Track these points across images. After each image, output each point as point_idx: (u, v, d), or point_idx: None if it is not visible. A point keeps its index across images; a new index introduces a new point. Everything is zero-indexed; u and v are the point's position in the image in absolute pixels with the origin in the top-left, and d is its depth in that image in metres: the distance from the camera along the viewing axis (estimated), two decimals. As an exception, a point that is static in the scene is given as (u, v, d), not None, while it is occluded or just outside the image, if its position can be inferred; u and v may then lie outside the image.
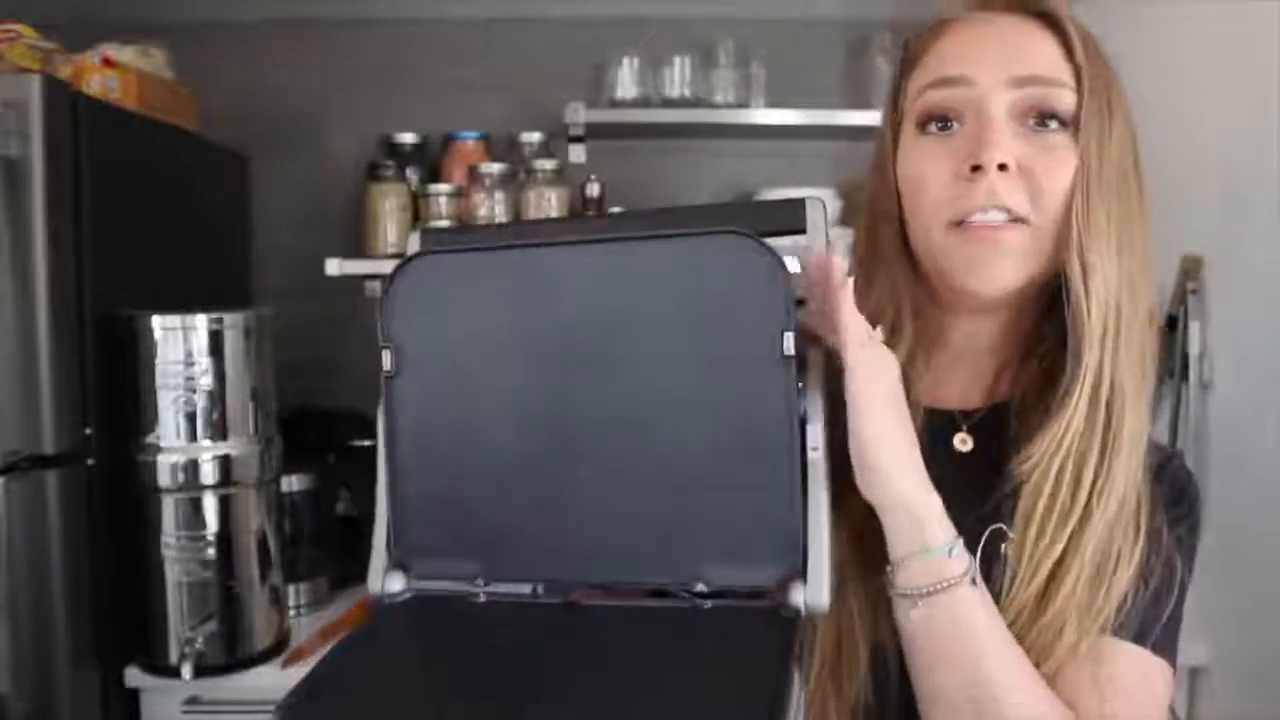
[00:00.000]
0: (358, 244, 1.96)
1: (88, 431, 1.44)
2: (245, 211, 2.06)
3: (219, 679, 1.47)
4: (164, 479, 1.44)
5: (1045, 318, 0.68)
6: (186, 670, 1.42)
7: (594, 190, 1.99)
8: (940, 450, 0.66)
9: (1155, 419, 1.57)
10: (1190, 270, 1.56)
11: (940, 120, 0.66)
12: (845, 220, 1.85)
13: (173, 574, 1.45)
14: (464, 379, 0.59)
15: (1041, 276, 0.65)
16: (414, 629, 0.58)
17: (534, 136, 1.99)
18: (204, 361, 1.45)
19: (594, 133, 2.03)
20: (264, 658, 1.52)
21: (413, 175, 1.98)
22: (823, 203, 0.60)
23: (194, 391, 1.44)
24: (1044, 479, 0.63)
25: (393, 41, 2.14)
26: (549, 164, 1.90)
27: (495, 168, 1.88)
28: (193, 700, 1.49)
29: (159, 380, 1.44)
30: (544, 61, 2.13)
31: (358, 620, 1.59)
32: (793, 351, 0.54)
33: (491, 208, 1.88)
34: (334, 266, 1.86)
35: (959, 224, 0.64)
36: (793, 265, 0.59)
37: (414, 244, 0.63)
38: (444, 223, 1.87)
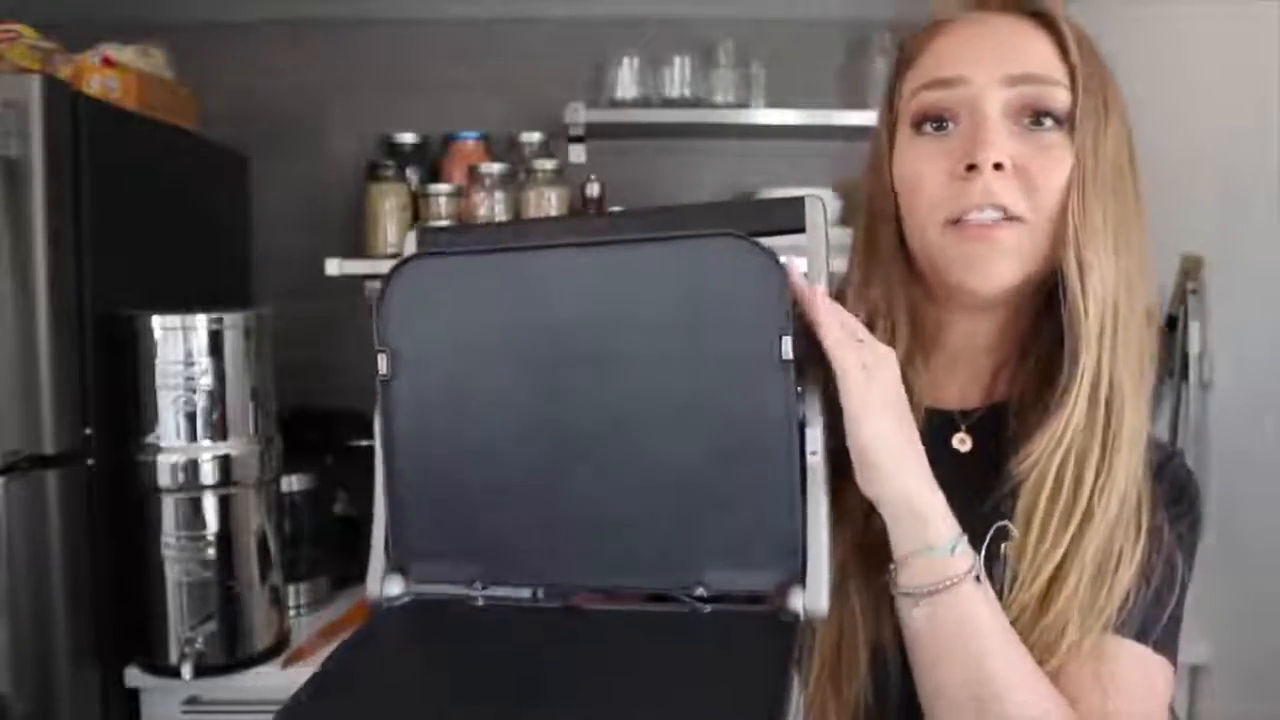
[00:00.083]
0: (358, 244, 1.95)
1: (88, 431, 1.44)
2: (245, 211, 2.06)
3: (219, 679, 1.47)
4: (164, 479, 1.44)
5: (1043, 316, 0.68)
6: (186, 670, 1.42)
7: (594, 190, 1.99)
8: (939, 450, 0.66)
9: (1155, 419, 1.57)
10: (1190, 270, 1.56)
11: (935, 120, 0.66)
12: (845, 220, 1.85)
13: (173, 574, 1.45)
14: (461, 382, 0.58)
15: (1038, 275, 0.65)
16: (413, 633, 0.58)
17: (534, 136, 1.98)
18: (204, 361, 1.45)
19: (594, 133, 2.03)
20: (264, 658, 1.52)
21: (413, 175, 1.98)
22: (822, 201, 0.60)
23: (194, 391, 1.44)
24: (1043, 478, 0.63)
25: (393, 41, 2.14)
26: (549, 164, 1.90)
27: (495, 168, 1.88)
28: (193, 700, 1.50)
29: (159, 380, 1.44)
30: (544, 61, 2.13)
31: (358, 620, 1.59)
32: (791, 355, 0.53)
33: (491, 208, 1.88)
34: (334, 266, 1.85)
35: (955, 223, 0.64)
36: (801, 265, 0.59)
37: (410, 244, 0.63)
38: (444, 223, 1.87)
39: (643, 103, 2.00)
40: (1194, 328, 1.56)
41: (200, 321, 1.45)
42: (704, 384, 0.55)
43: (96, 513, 1.45)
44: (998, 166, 0.62)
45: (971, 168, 0.63)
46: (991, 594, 0.60)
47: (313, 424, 1.86)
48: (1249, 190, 1.45)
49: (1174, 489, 0.69)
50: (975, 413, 0.72)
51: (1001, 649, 0.59)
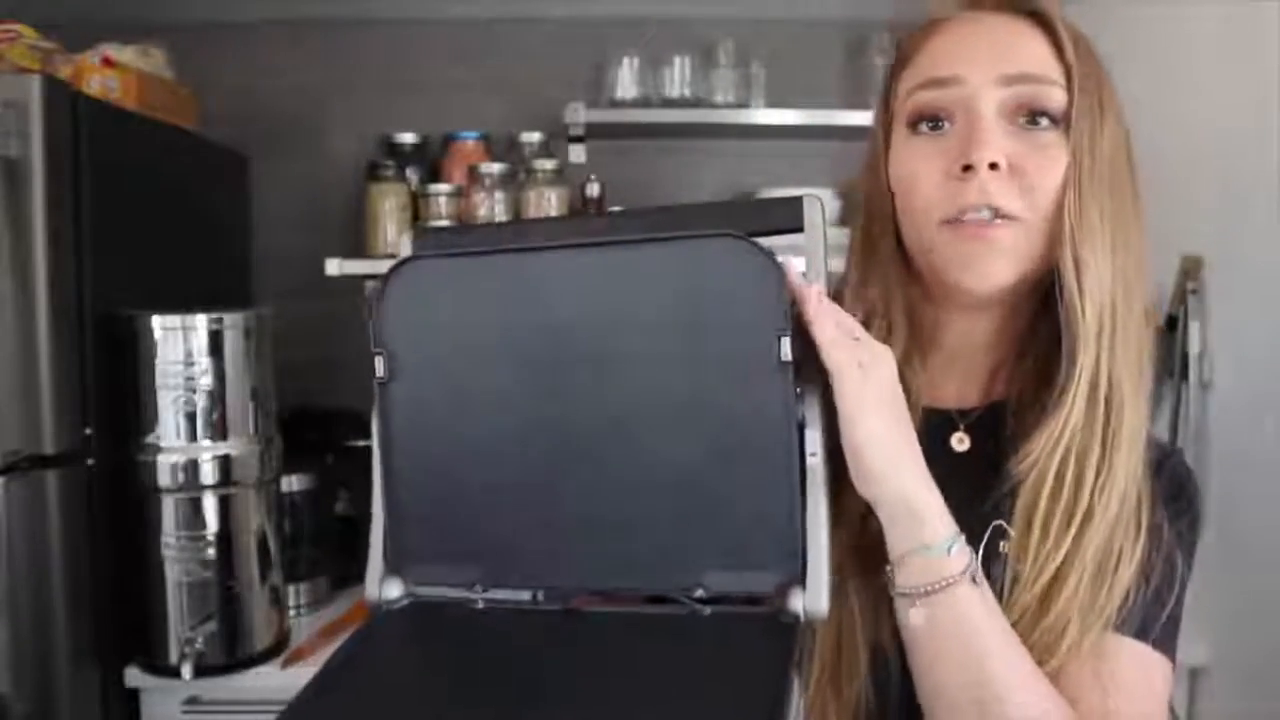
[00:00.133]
0: (358, 244, 1.95)
1: (88, 431, 1.44)
2: (245, 211, 2.06)
3: (219, 679, 1.47)
4: (164, 479, 1.44)
5: (1040, 316, 0.68)
6: (186, 670, 1.42)
7: (594, 190, 1.99)
8: (937, 450, 0.66)
9: (1155, 419, 1.57)
10: (1190, 270, 1.56)
11: (931, 120, 0.66)
12: (845, 220, 1.85)
13: (173, 574, 1.45)
14: (459, 383, 0.58)
15: (1035, 274, 0.65)
16: (411, 636, 0.58)
17: (534, 136, 1.99)
18: (204, 361, 1.45)
19: (594, 133, 2.03)
20: (264, 658, 1.52)
21: (413, 175, 1.98)
22: (820, 201, 0.60)
23: (194, 391, 1.44)
24: (1043, 478, 0.63)
25: (393, 41, 2.14)
26: (549, 164, 1.90)
27: (495, 168, 1.88)
28: (193, 700, 1.50)
29: (159, 380, 1.44)
30: (544, 61, 2.13)
31: (358, 620, 1.59)
32: (790, 356, 0.53)
33: (491, 208, 1.88)
34: (334, 266, 1.85)
35: (950, 223, 0.64)
36: (799, 264, 0.58)
37: (405, 247, 0.63)
38: (444, 223, 1.87)
39: (643, 103, 2.00)
40: (1194, 328, 1.56)
41: (200, 321, 1.45)
42: (703, 385, 0.55)
43: (96, 513, 1.45)
44: (993, 166, 0.62)
45: (967, 168, 0.63)
46: (989, 594, 0.60)
47: (313, 424, 1.86)
48: (1249, 190, 1.45)
49: (1173, 486, 0.69)
50: (973, 412, 0.72)
51: (1000, 649, 0.59)
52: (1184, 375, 1.57)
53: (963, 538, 0.59)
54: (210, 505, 1.46)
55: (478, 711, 0.49)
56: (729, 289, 0.54)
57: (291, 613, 1.67)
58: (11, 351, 1.36)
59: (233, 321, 1.47)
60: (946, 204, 0.64)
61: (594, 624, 0.57)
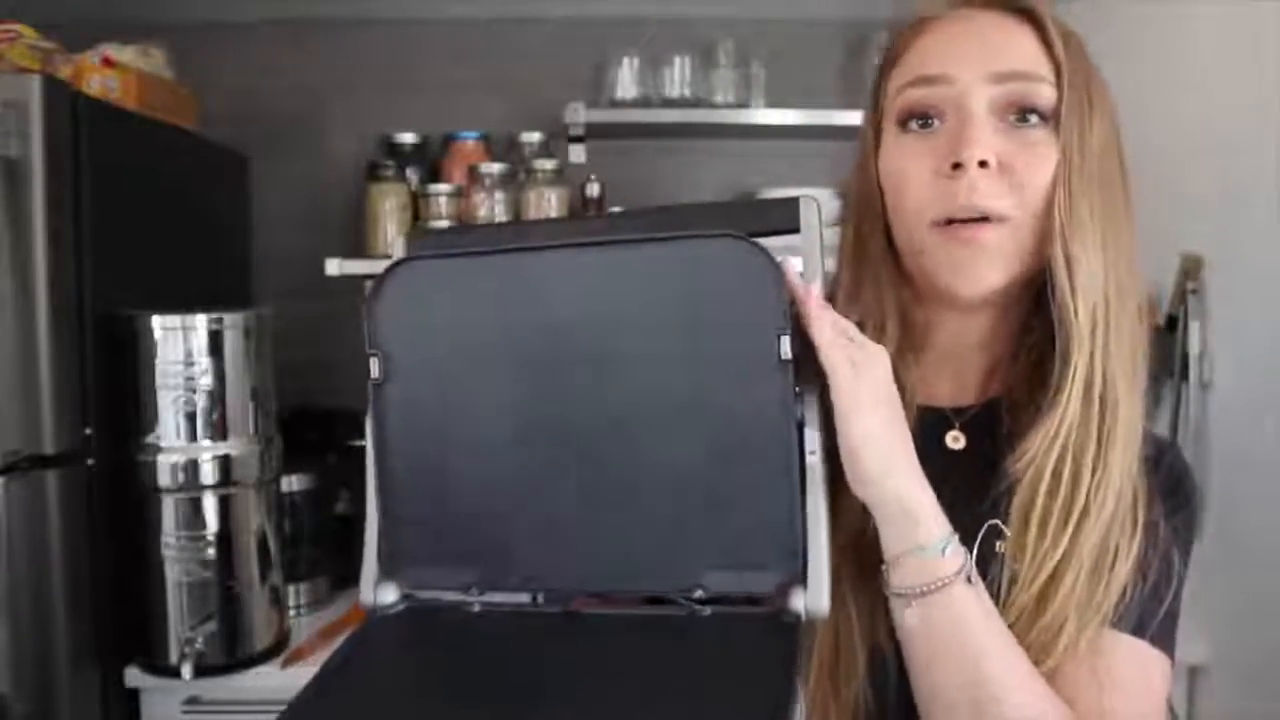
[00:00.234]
0: (358, 244, 1.96)
1: (88, 431, 1.44)
2: (245, 211, 2.06)
3: (219, 679, 1.47)
4: (164, 479, 1.44)
5: (1033, 312, 0.68)
6: (186, 670, 1.42)
7: (594, 190, 1.99)
8: (932, 448, 0.66)
9: (1155, 419, 1.57)
10: (1190, 270, 1.56)
11: (921, 118, 0.66)
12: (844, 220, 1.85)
13: (173, 574, 1.45)
14: (455, 384, 0.58)
15: (1026, 273, 0.65)
16: (408, 639, 0.57)
17: (534, 136, 1.99)
18: (204, 361, 1.45)
19: (594, 133, 2.03)
20: (264, 658, 1.52)
21: (413, 175, 1.98)
22: (817, 202, 0.60)
23: (194, 391, 1.44)
24: (1039, 476, 0.63)
25: (393, 41, 2.14)
26: (549, 164, 1.90)
27: (495, 168, 1.89)
28: (193, 700, 1.50)
29: (159, 380, 1.44)
30: (544, 61, 2.13)
31: (358, 621, 1.59)
32: (790, 355, 0.53)
33: (491, 208, 1.88)
34: (334, 266, 1.85)
35: (941, 224, 0.64)
36: (796, 264, 0.58)
37: (399, 249, 0.62)
38: (444, 223, 1.88)
39: (643, 103, 2.00)
40: (1194, 328, 1.56)
41: (200, 321, 1.45)
42: (702, 384, 0.55)
43: (96, 513, 1.45)
44: (983, 164, 0.62)
45: (957, 166, 0.63)
46: (985, 594, 0.60)
47: (313, 424, 1.86)
48: (1249, 190, 1.45)
49: (1170, 480, 0.69)
50: (968, 410, 0.72)
51: (997, 649, 0.59)
52: (1184, 375, 1.57)
53: (956, 538, 0.59)
54: (210, 505, 1.46)
55: (476, 714, 0.49)
56: (728, 288, 0.54)
57: (291, 613, 1.67)
58: (11, 351, 1.36)
59: (233, 321, 1.47)
60: (936, 204, 0.64)
61: (593, 626, 0.56)
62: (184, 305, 1.47)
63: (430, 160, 2.04)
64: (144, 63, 1.70)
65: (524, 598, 0.58)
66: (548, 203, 1.89)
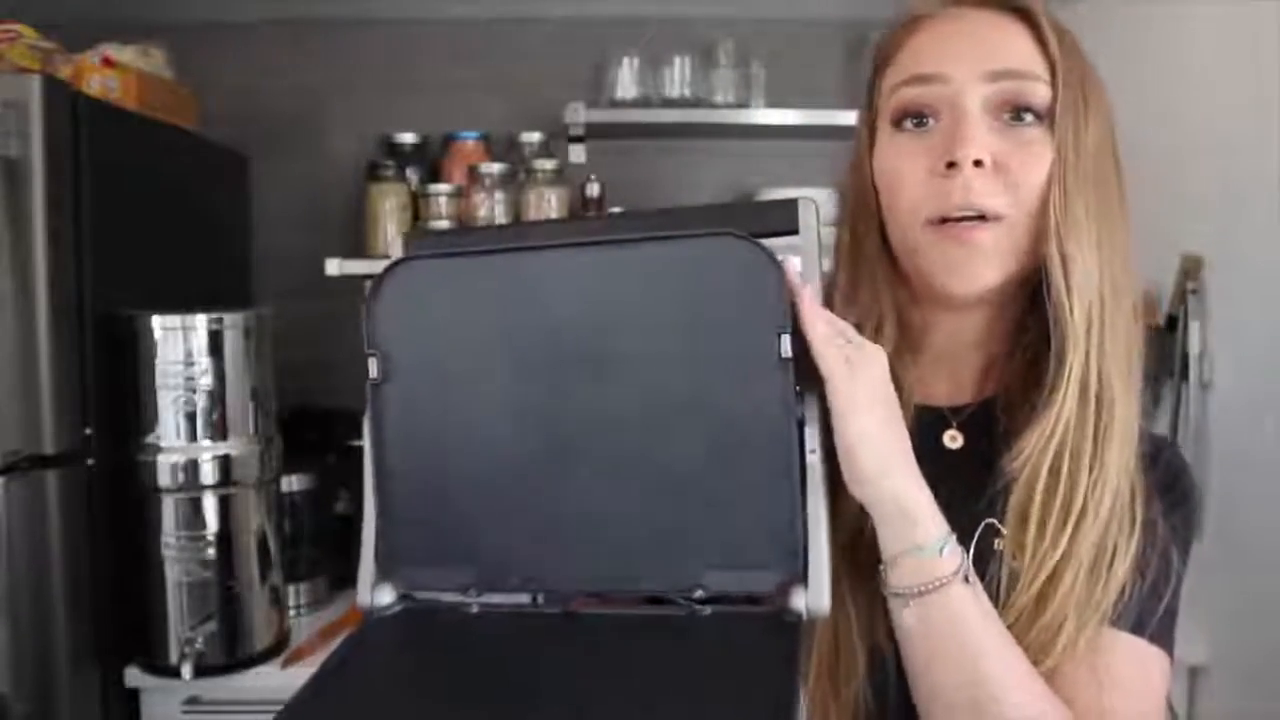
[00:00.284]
0: (358, 244, 1.96)
1: (88, 431, 1.44)
2: (245, 211, 2.06)
3: (219, 679, 1.47)
4: (164, 479, 1.44)
5: (1029, 310, 0.68)
6: (186, 670, 1.42)
7: (594, 190, 1.99)
8: (930, 447, 0.66)
9: (1156, 419, 1.57)
10: (1190, 270, 1.56)
11: (915, 117, 0.66)
12: (845, 220, 1.85)
13: (173, 574, 1.45)
14: (454, 385, 0.58)
15: (1021, 272, 0.65)
16: (404, 643, 0.57)
17: (534, 136, 1.99)
18: (204, 361, 1.45)
19: (594, 133, 2.03)
20: (264, 658, 1.52)
21: (413, 175, 1.98)
22: (815, 204, 0.59)
23: (194, 391, 1.44)
24: (1036, 475, 0.63)
25: (393, 41, 2.14)
26: (549, 164, 1.90)
27: (495, 168, 1.88)
28: (193, 700, 1.50)
29: (159, 380, 1.44)
30: (544, 61, 2.13)
31: (357, 621, 1.59)
32: (790, 354, 0.53)
33: (491, 208, 1.88)
34: (334, 266, 1.85)
35: (936, 223, 0.64)
36: (796, 264, 0.58)
37: (397, 249, 0.62)
38: (444, 223, 1.88)
39: (643, 103, 2.00)
40: (1194, 328, 1.56)
41: (200, 321, 1.45)
42: (703, 384, 0.54)
43: (96, 513, 1.45)
44: (978, 163, 0.62)
45: (952, 165, 0.63)
46: (982, 593, 0.60)
47: (313, 424, 1.86)
48: (1249, 190, 1.45)
49: (1168, 477, 0.69)
50: (965, 409, 0.72)
51: (995, 649, 0.59)
52: (1184, 375, 1.57)
53: (954, 537, 0.59)
54: (210, 505, 1.46)
55: (474, 715, 0.49)
56: (729, 287, 0.54)
57: (291, 613, 1.67)
58: (11, 351, 1.36)
59: (233, 321, 1.47)
60: (931, 203, 0.64)
61: (592, 626, 0.56)
62: (184, 305, 1.47)
63: (430, 160, 2.04)
64: (144, 63, 1.70)
65: (523, 598, 0.58)
66: (548, 203, 1.89)
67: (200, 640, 1.44)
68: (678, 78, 2.01)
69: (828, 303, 0.63)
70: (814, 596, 0.53)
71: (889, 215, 0.68)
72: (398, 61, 2.14)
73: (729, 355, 0.54)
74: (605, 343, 0.56)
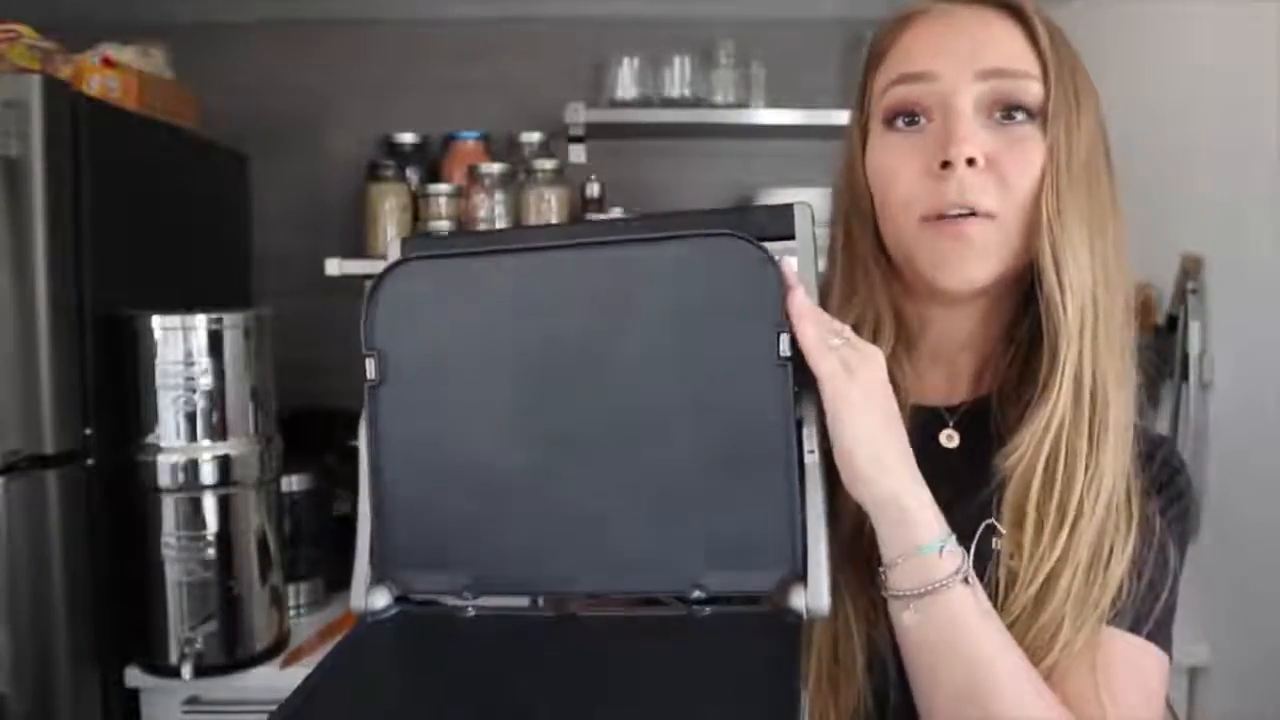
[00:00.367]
0: (358, 244, 1.95)
1: (88, 431, 1.44)
2: (245, 211, 2.06)
3: (219, 679, 1.47)
4: (164, 479, 1.44)
5: (1023, 307, 0.68)
6: (186, 670, 1.42)
7: (594, 190, 1.99)
8: (927, 447, 0.66)
9: (1155, 419, 1.57)
10: (1190, 270, 1.56)
11: (907, 116, 0.66)
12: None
13: (173, 574, 1.45)
14: (452, 386, 0.58)
15: (1014, 270, 0.65)
16: (400, 643, 0.56)
17: (534, 136, 1.99)
18: (204, 361, 1.45)
19: (594, 133, 2.03)
20: (264, 658, 1.52)
21: (413, 175, 1.98)
22: (810, 208, 0.60)
23: (194, 391, 1.44)
24: (1030, 474, 0.63)
25: (393, 41, 2.14)
26: (549, 164, 1.90)
27: (495, 168, 1.88)
28: (193, 700, 1.50)
29: (159, 380, 1.44)
30: (544, 61, 2.13)
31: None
32: (789, 353, 0.53)
33: (491, 208, 1.88)
34: (334, 266, 1.86)
35: (929, 220, 0.64)
36: (793, 263, 0.58)
37: (394, 253, 0.62)
38: (444, 223, 1.88)
39: (643, 103, 2.00)
40: (1194, 328, 1.56)
41: (200, 321, 1.45)
42: (702, 383, 0.54)
43: (96, 513, 1.45)
44: (971, 162, 0.62)
45: (945, 164, 0.63)
46: (982, 594, 0.60)
47: (313, 424, 1.86)
48: (1249, 190, 1.45)
49: (1164, 474, 0.69)
50: (961, 407, 0.72)
51: (995, 649, 0.59)
52: (1184, 375, 1.57)
53: (954, 538, 0.59)
54: (210, 505, 1.46)
55: (471, 718, 0.49)
56: (728, 287, 0.54)
57: (291, 613, 1.67)
58: (11, 351, 1.36)
59: (233, 321, 1.47)
60: (925, 201, 0.64)
61: (590, 628, 0.56)
62: (184, 305, 1.47)
63: (430, 160, 2.04)
64: (144, 63, 1.70)
65: (521, 601, 0.58)
66: (548, 203, 1.89)
67: (200, 640, 1.44)
68: (678, 78, 2.01)
69: (823, 302, 0.62)
70: (813, 596, 0.53)
71: (882, 213, 0.68)
72: (398, 61, 2.14)
73: (728, 355, 0.54)
74: (603, 343, 0.56)
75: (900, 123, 0.66)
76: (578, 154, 2.06)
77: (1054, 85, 0.63)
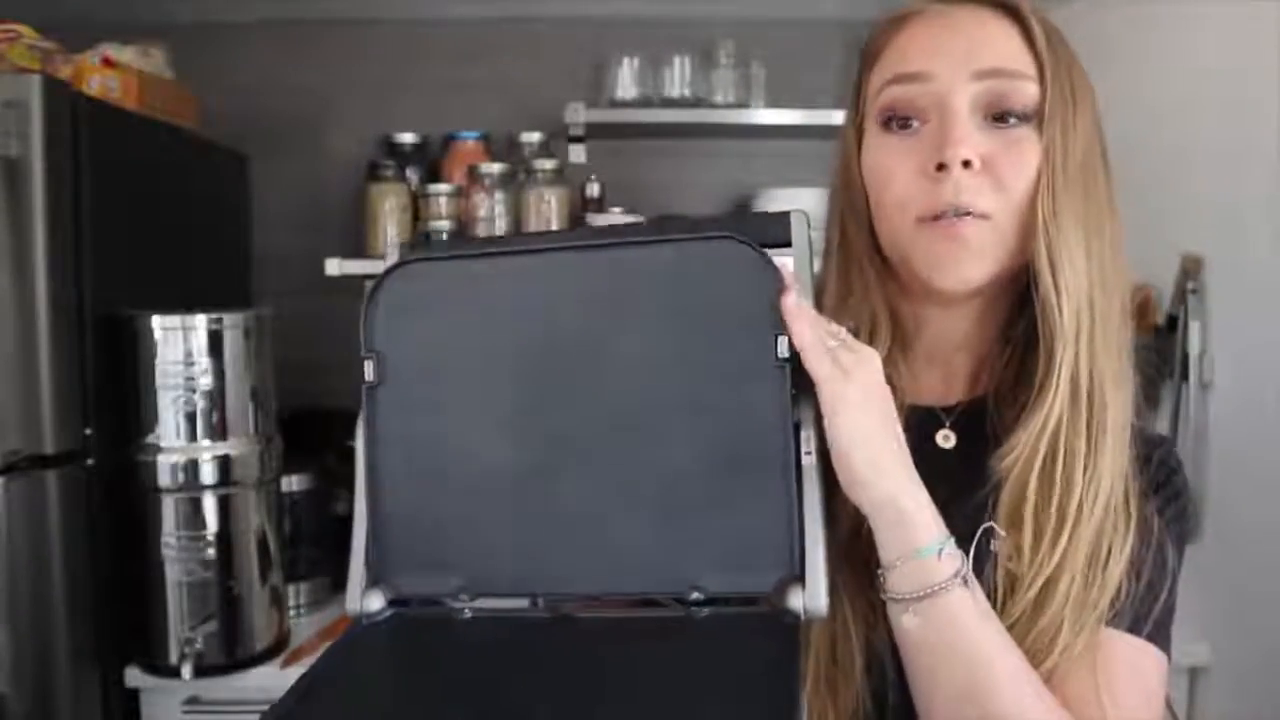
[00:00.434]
0: (358, 244, 1.95)
1: (88, 431, 1.44)
2: (245, 211, 2.06)
3: (219, 679, 1.47)
4: (164, 479, 1.44)
5: (1018, 308, 0.68)
6: (186, 670, 1.42)
7: (594, 190, 1.99)
8: (923, 447, 0.65)
9: (1156, 419, 1.57)
10: (1190, 270, 1.56)
11: (902, 119, 0.66)
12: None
13: (173, 574, 1.45)
14: (450, 388, 0.58)
15: (1010, 270, 0.65)
16: (394, 649, 0.56)
17: (534, 136, 1.99)
18: (204, 361, 1.45)
19: (594, 133, 2.02)
20: (264, 658, 1.52)
21: (413, 175, 1.98)
22: (806, 216, 0.60)
23: (194, 391, 1.44)
24: (1026, 475, 0.63)
25: (393, 41, 2.14)
26: (549, 164, 1.90)
27: (495, 168, 1.88)
28: (193, 700, 1.50)
29: (159, 380, 1.44)
30: (544, 61, 2.13)
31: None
32: (787, 354, 0.53)
33: (491, 208, 1.88)
34: (334, 266, 1.86)
35: (925, 220, 0.64)
36: (789, 265, 0.59)
37: (394, 254, 0.63)
38: (444, 223, 1.88)
39: (643, 103, 2.00)
40: (1194, 328, 1.56)
41: (200, 321, 1.45)
42: (700, 385, 0.54)
43: (96, 513, 1.45)
44: (967, 164, 0.62)
45: (941, 166, 0.63)
46: (981, 596, 0.60)
47: (313, 424, 1.86)
48: (1249, 190, 1.45)
49: (1162, 474, 0.69)
50: (958, 408, 0.72)
51: (994, 651, 0.58)
52: (1184, 375, 1.57)
53: (952, 540, 0.59)
54: (210, 505, 1.46)
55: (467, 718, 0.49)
56: (726, 289, 0.54)
57: (291, 613, 1.67)
58: (11, 351, 1.36)
59: (233, 321, 1.47)
60: (920, 201, 0.64)
61: (588, 629, 0.56)
62: (184, 305, 1.47)
63: (430, 160, 2.04)
64: (144, 63, 1.70)
65: (518, 602, 0.58)
66: (548, 203, 1.89)
67: (200, 640, 1.44)
68: (678, 78, 2.01)
69: (818, 302, 0.62)
70: (811, 597, 0.53)
71: (878, 213, 0.68)
72: (397, 61, 2.14)
73: (726, 357, 0.54)
74: (601, 345, 0.56)
75: (896, 125, 0.66)
76: (578, 154, 2.06)
77: (1050, 85, 0.63)
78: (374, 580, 0.58)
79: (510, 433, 0.57)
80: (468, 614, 0.57)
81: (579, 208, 1.98)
